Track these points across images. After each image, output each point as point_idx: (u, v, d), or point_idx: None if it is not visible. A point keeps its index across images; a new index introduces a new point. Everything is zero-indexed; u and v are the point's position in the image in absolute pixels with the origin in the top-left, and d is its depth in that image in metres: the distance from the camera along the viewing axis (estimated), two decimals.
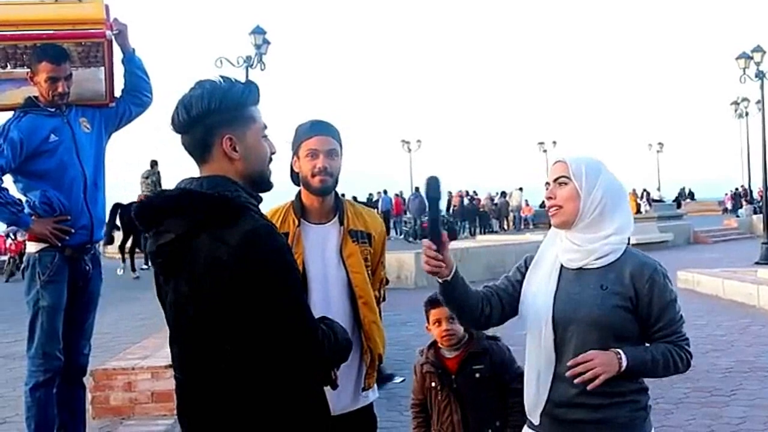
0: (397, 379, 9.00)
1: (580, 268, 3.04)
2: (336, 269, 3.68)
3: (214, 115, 2.49)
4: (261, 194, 2.64)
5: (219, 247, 2.37)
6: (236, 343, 2.41)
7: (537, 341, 3.06)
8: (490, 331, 3.88)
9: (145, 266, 20.39)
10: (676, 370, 3.06)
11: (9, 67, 5.16)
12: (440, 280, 3.01)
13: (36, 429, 5.12)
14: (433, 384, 4.16)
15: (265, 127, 2.62)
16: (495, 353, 4.09)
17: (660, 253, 25.01)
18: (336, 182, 3.70)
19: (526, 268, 3.21)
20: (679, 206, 50.51)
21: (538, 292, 3.09)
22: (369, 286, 3.73)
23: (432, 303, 4.07)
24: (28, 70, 5.04)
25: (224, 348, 2.42)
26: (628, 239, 3.12)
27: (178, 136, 2.58)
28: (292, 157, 3.75)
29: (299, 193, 3.76)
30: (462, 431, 4.07)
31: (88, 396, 6.37)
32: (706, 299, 14.95)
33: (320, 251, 3.67)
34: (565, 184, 3.05)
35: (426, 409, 4.25)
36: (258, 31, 22.41)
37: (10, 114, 5.13)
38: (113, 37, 5.20)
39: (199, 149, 2.54)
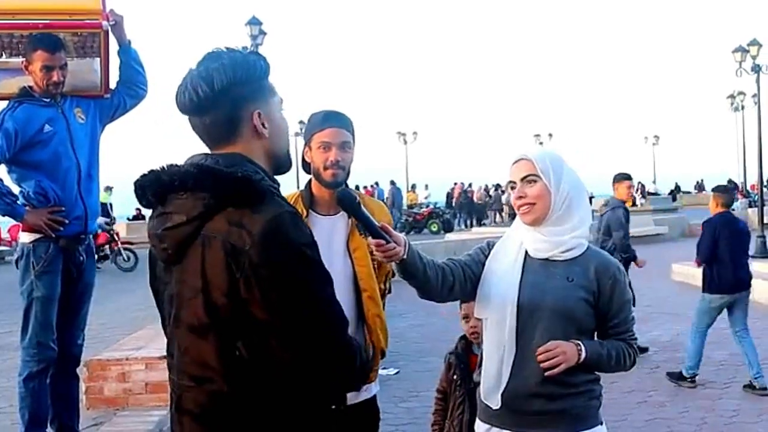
0: (392, 371, 9.01)
1: (546, 259, 3.10)
2: (342, 262, 3.68)
3: (241, 87, 2.23)
4: (279, 177, 2.39)
5: (239, 234, 2.09)
6: (251, 340, 2.13)
7: (499, 326, 3.10)
8: None
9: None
10: (624, 366, 3.18)
11: (5, 56, 5.16)
12: (398, 261, 2.96)
13: (29, 419, 5.12)
14: (455, 377, 4.16)
15: (282, 100, 2.38)
16: None
17: (655, 246, 25.05)
18: (348, 175, 3.70)
19: (489, 251, 3.24)
20: (674, 199, 50.56)
21: (503, 277, 3.12)
22: (374, 279, 3.74)
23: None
24: (24, 59, 5.03)
25: (236, 346, 2.14)
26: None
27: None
28: (304, 147, 3.74)
29: (309, 182, 3.77)
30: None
31: (82, 386, 6.36)
32: (700, 292, 14.95)
33: (327, 243, 3.65)
34: (534, 181, 3.08)
35: (447, 398, 4.24)
36: (254, 21, 22.35)
37: (4, 104, 5.12)
38: (109, 28, 5.20)
39: (224, 128, 2.25)
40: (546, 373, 2.97)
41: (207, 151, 2.32)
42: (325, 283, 2.18)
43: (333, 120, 3.68)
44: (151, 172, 2.26)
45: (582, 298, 3.05)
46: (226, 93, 2.22)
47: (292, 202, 3.69)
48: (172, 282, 2.27)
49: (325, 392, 2.27)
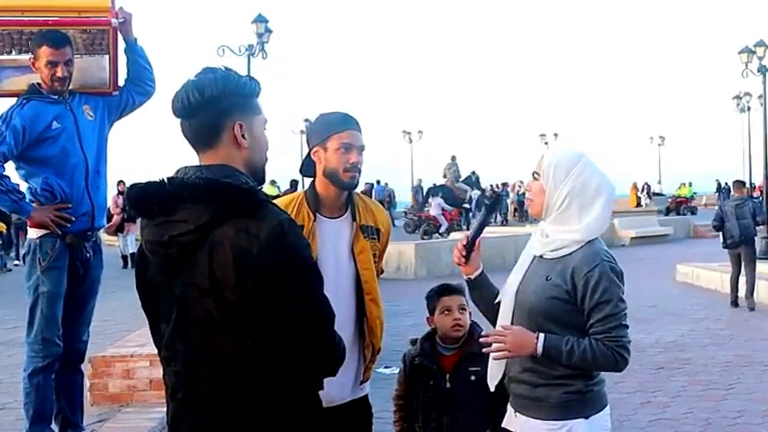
0: (396, 370, 9.02)
1: (541, 257, 3.22)
2: (347, 265, 3.69)
3: (229, 98, 2.47)
4: None
5: (247, 239, 2.33)
6: (259, 337, 2.37)
7: (501, 321, 3.27)
8: None
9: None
10: (598, 367, 3.14)
11: (14, 53, 5.17)
12: (466, 277, 3.42)
13: (34, 415, 5.14)
14: (424, 379, 4.03)
15: (266, 120, 2.63)
16: None
17: (660, 247, 25.10)
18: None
19: None
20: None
21: (512, 274, 3.30)
22: (377, 282, 3.76)
23: (443, 291, 4.05)
24: (31, 56, 5.04)
25: (246, 342, 2.37)
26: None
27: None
28: (314, 147, 3.69)
29: (313, 184, 3.74)
30: None
31: (87, 383, 6.38)
32: (705, 293, 14.97)
33: (333, 246, 3.67)
34: (536, 179, 3.21)
35: (411, 402, 4.09)
36: (260, 19, 22.37)
37: (13, 101, 5.13)
38: (118, 26, 5.21)
39: (207, 133, 2.48)
40: (492, 357, 3.18)
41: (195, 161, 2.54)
42: (319, 282, 2.45)
43: (352, 123, 3.69)
44: (152, 183, 2.44)
45: (554, 296, 3.10)
46: (214, 101, 2.46)
47: (296, 205, 3.68)
48: (176, 284, 2.46)
49: (307, 378, 2.50)
